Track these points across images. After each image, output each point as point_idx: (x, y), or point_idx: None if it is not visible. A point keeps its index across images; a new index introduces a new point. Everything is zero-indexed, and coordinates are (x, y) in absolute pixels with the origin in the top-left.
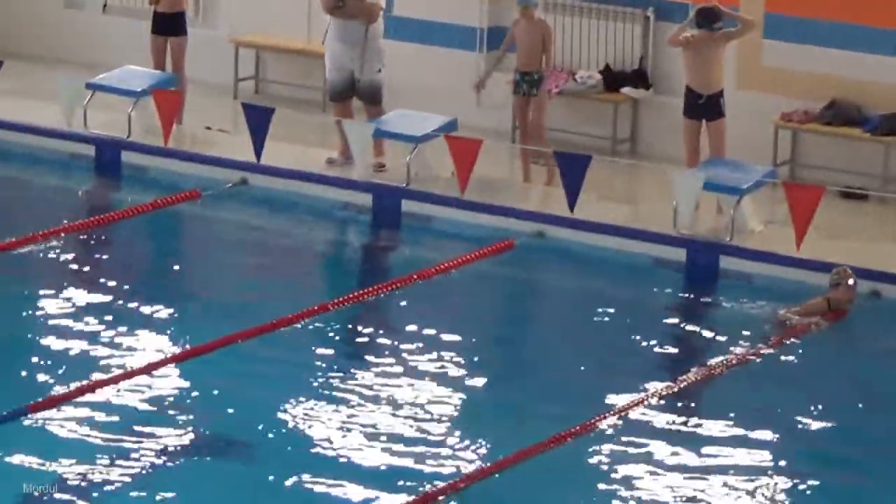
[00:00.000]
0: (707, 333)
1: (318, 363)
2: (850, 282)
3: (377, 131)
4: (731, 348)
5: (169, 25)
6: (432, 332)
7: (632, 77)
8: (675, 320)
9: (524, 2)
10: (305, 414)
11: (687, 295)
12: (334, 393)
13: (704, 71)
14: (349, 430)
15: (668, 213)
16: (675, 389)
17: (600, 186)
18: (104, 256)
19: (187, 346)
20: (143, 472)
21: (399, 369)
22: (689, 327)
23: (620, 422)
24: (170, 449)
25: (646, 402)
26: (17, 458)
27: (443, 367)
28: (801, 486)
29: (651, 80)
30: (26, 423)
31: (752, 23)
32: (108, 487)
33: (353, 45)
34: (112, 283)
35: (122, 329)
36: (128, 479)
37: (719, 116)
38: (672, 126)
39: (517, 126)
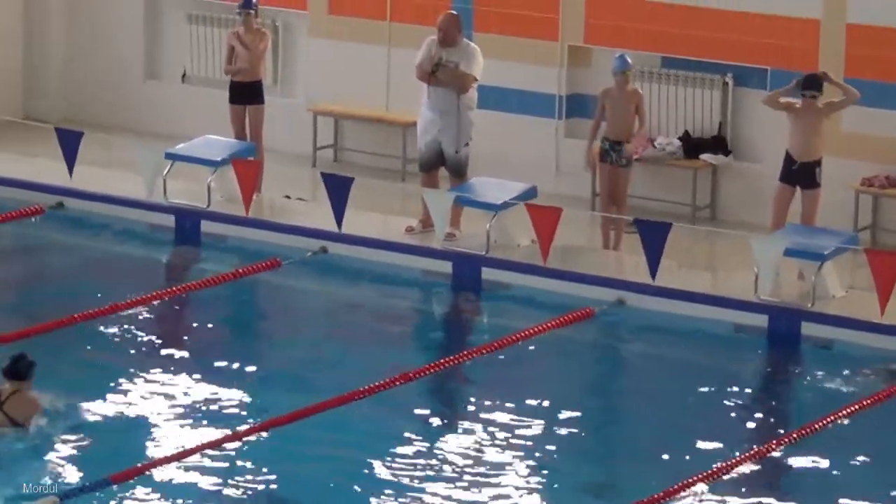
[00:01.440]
0: (790, 400)
1: (399, 432)
2: None
3: (458, 199)
4: (814, 414)
5: (246, 94)
6: (512, 400)
7: (711, 143)
8: (757, 387)
9: (622, 68)
10: (384, 481)
11: (769, 361)
12: (413, 462)
13: (804, 138)
14: (428, 501)
15: (748, 279)
16: (759, 456)
17: (680, 253)
18: (184, 326)
19: (270, 417)
20: None
21: (479, 438)
22: (772, 394)
23: (704, 489)
24: None
25: (728, 470)
26: None
27: (522, 435)
28: None
29: (730, 146)
30: (110, 492)
31: (856, 94)
32: None
33: (443, 114)
34: (192, 353)
35: (202, 398)
36: None
37: (814, 185)
38: (751, 192)
39: (597, 193)
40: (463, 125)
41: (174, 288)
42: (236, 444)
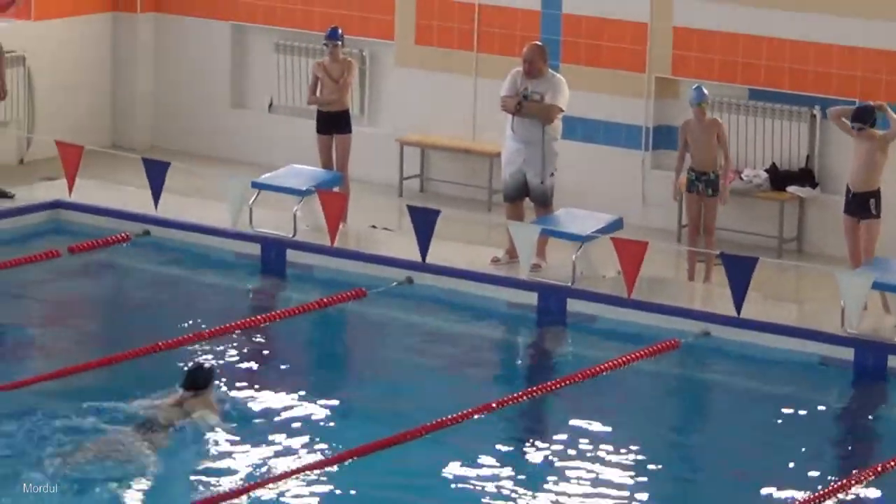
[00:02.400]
0: (875, 434)
1: (482, 462)
2: None
3: (544, 231)
4: None
5: (334, 124)
6: (597, 431)
7: (798, 176)
8: (843, 420)
9: (698, 100)
10: None
11: (854, 395)
12: (496, 492)
13: (858, 168)
14: None
15: (835, 312)
16: (842, 490)
17: (767, 285)
18: (269, 355)
19: (353, 446)
20: None
21: (562, 469)
22: (857, 427)
23: None
24: None
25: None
26: None
27: (606, 466)
28: None
29: (817, 178)
30: None
31: None
32: None
33: (528, 145)
34: (276, 382)
35: (286, 427)
36: None
37: (870, 216)
38: (838, 225)
39: (685, 224)
40: (548, 156)
41: (259, 317)
42: (320, 473)
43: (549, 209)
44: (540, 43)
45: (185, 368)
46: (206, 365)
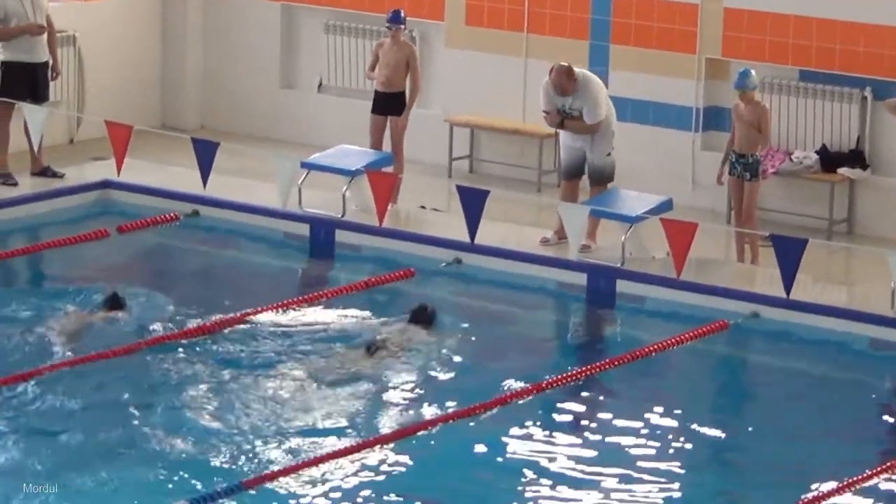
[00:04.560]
0: None
1: (530, 442)
2: None
3: (593, 212)
4: None
5: (389, 104)
6: (645, 411)
7: (849, 157)
8: (892, 402)
9: (740, 87)
10: (517, 490)
11: None
12: (544, 472)
13: None
14: None
15: (885, 294)
16: (891, 471)
17: (816, 267)
18: (317, 335)
19: (402, 425)
20: None
21: (611, 449)
22: None
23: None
24: None
25: (859, 484)
26: None
27: (654, 447)
28: None
29: (868, 159)
30: (242, 498)
31: None
32: None
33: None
34: (326, 361)
35: (336, 406)
36: None
37: None
38: (889, 206)
39: (733, 206)
40: (605, 137)
41: (308, 296)
42: (370, 452)
43: (604, 188)
44: (564, 63)
45: (417, 305)
46: (430, 307)
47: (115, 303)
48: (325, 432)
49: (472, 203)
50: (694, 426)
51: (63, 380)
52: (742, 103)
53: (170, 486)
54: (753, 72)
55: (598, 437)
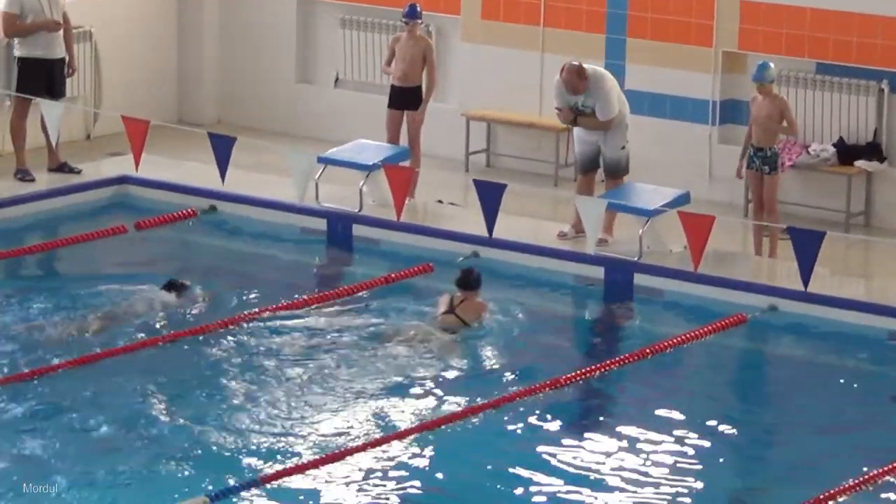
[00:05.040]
0: None
1: (549, 437)
2: None
3: (610, 205)
4: None
5: (406, 99)
6: (664, 406)
7: (866, 150)
8: None
9: (758, 79)
10: (533, 484)
11: None
12: (562, 467)
13: None
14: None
15: None
16: None
17: (834, 260)
18: (335, 329)
19: (422, 420)
20: None
21: (629, 443)
22: None
23: (854, 497)
24: None
25: (879, 478)
26: None
27: (673, 441)
28: None
29: (885, 152)
30: (259, 493)
31: None
32: None
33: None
34: (343, 356)
35: (354, 401)
36: None
37: None
38: None
39: (750, 199)
40: (618, 131)
41: (326, 292)
42: (390, 447)
43: (620, 181)
44: (575, 63)
45: (461, 270)
46: (476, 272)
47: (174, 288)
48: (342, 428)
49: (489, 197)
50: (712, 421)
51: (83, 374)
52: (760, 96)
53: (187, 480)
54: (772, 65)
55: (615, 432)
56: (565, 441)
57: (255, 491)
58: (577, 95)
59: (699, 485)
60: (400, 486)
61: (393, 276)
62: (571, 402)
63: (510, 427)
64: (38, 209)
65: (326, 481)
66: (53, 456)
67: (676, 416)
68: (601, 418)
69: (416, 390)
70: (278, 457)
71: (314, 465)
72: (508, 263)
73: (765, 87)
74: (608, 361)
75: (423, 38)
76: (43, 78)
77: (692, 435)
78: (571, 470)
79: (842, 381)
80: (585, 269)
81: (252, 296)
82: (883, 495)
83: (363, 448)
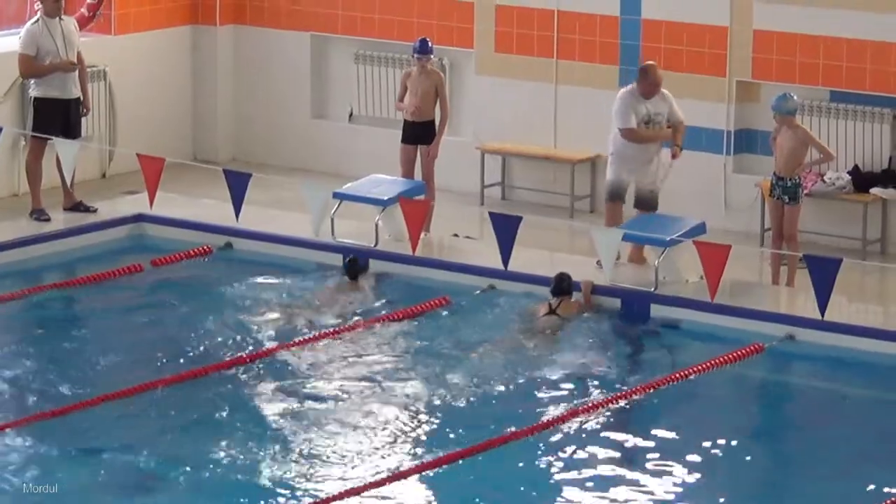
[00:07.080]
0: None
1: (566, 467)
2: None
3: (626, 236)
4: None
5: (420, 134)
6: (682, 435)
7: (881, 177)
8: None
9: (779, 110)
10: None
11: None
12: (583, 497)
13: None
14: None
15: None
16: None
17: (851, 288)
18: (354, 363)
19: (443, 451)
20: None
21: (647, 473)
22: None
23: None
24: None
25: None
26: None
27: (693, 473)
28: None
29: None
30: None
31: None
32: None
33: (646, 150)
34: (363, 390)
35: (374, 434)
36: None
37: None
38: None
39: (767, 228)
40: (664, 163)
41: (343, 327)
42: (412, 479)
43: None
44: (651, 62)
45: (553, 277)
46: (567, 276)
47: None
48: (367, 458)
49: (505, 230)
50: (730, 450)
51: (108, 410)
52: (783, 127)
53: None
54: (795, 96)
55: (632, 461)
56: (584, 472)
57: None
58: (650, 99)
59: None
60: None
61: (410, 310)
62: (587, 433)
63: (528, 458)
64: (54, 249)
65: None
66: (85, 495)
67: (693, 445)
68: (618, 448)
69: (439, 421)
70: (304, 489)
71: (355, 492)
72: (525, 295)
73: (785, 119)
74: (624, 392)
75: (435, 71)
76: (59, 118)
77: (709, 465)
78: (587, 498)
79: (860, 409)
80: (602, 301)
81: (269, 332)
82: None
83: (386, 481)
